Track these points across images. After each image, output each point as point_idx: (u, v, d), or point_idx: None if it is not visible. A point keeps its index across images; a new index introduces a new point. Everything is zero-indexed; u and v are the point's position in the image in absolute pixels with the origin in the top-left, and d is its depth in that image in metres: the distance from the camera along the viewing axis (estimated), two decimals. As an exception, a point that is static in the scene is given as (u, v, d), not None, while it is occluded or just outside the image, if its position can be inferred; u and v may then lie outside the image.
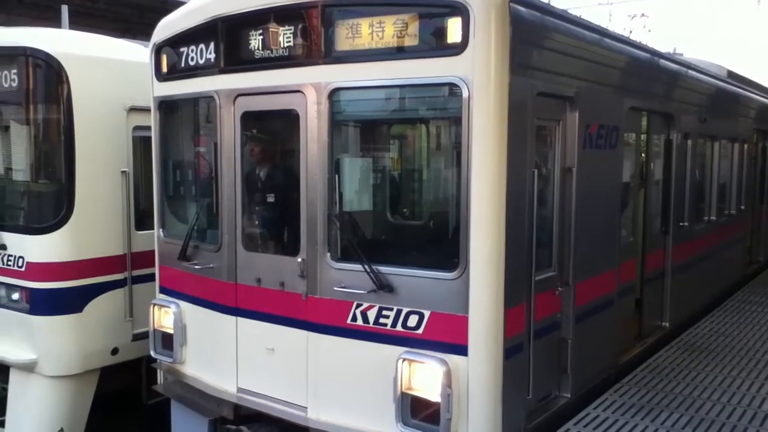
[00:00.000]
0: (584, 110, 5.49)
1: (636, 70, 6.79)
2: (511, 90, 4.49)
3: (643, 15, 33.94)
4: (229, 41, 5.54)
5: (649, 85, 7.11)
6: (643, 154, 7.21)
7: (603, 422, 5.27)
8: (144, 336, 6.94)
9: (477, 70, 4.38)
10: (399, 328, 4.77)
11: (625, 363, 6.67)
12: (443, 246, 4.79)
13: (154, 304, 6.44)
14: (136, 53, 7.49)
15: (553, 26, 5.16)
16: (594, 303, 5.98)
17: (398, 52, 4.67)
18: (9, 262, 7.14)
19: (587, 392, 5.82)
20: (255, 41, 5.35)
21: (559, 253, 5.53)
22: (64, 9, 8.63)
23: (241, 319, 5.66)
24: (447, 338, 4.60)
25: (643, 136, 7.48)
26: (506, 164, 4.48)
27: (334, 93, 4.94)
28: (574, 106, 5.43)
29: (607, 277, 6.26)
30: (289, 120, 5.24)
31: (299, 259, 5.17)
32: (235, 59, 5.52)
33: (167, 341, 6.34)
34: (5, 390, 7.50)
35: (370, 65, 4.80)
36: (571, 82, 5.38)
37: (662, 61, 7.53)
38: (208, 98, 5.81)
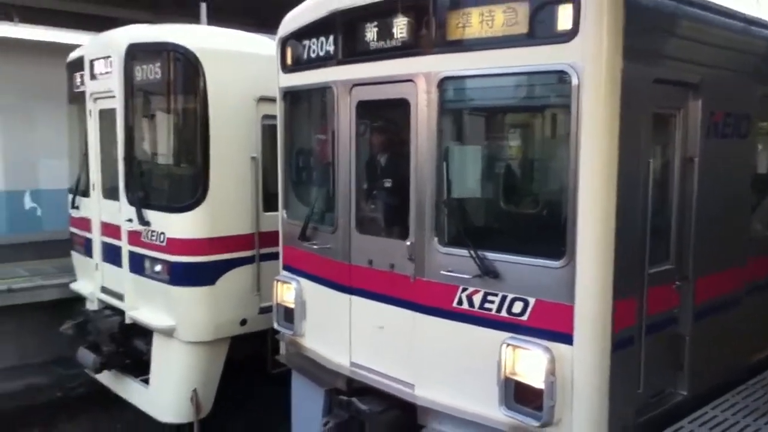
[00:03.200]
0: (708, 97, 5.21)
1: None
2: (624, 77, 4.37)
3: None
4: (347, 34, 5.79)
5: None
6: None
7: (720, 423, 5.03)
8: (269, 309, 7.38)
9: (587, 57, 4.30)
10: (504, 313, 4.82)
11: (755, 364, 6.29)
12: (550, 234, 4.76)
13: (278, 280, 6.89)
14: (265, 46, 7.96)
15: (673, 9, 4.92)
16: (717, 300, 5.69)
17: (508, 41, 4.67)
18: (153, 237, 7.90)
19: (707, 391, 5.56)
20: (370, 33, 5.56)
21: (678, 246, 5.31)
22: (203, 6, 9.32)
23: (354, 298, 5.95)
24: (552, 326, 4.60)
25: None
26: (617, 153, 4.38)
27: (443, 82, 5.04)
28: (697, 94, 5.18)
29: (734, 273, 5.91)
30: (401, 109, 5.40)
31: (408, 243, 5.35)
32: (352, 51, 5.76)
33: (289, 315, 6.77)
34: (150, 352, 8.36)
35: (480, 54, 4.84)
36: (694, 68, 5.12)
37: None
38: (327, 88, 6.09)
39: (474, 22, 4.82)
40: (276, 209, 7.34)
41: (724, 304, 5.79)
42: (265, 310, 7.87)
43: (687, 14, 5.07)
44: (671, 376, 5.41)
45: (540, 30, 4.53)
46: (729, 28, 5.59)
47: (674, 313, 5.32)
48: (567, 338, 4.55)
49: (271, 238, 7.71)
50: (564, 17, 4.38)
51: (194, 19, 10.73)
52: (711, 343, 5.63)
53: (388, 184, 5.81)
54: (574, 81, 4.34)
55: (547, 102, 5.06)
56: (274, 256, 7.40)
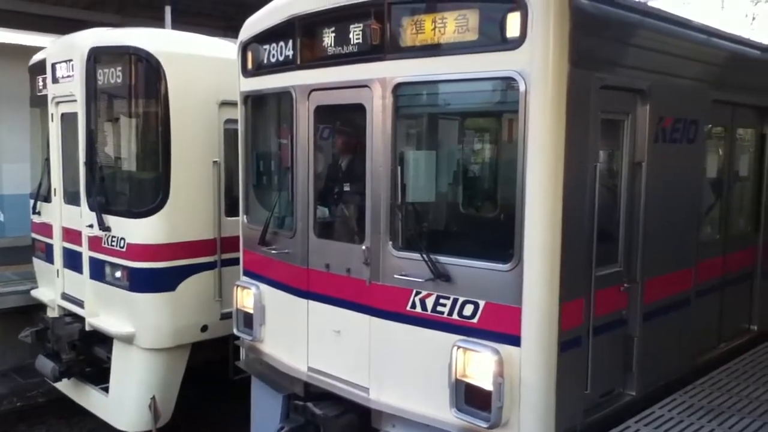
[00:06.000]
0: (657, 103, 5.36)
1: (721, 60, 6.49)
2: (571, 83, 4.47)
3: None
4: (305, 39, 5.83)
5: (737, 76, 6.77)
6: (730, 149, 6.88)
7: (667, 422, 5.15)
8: (231, 315, 7.31)
9: (534, 64, 4.40)
10: (455, 316, 4.88)
11: (703, 364, 6.44)
12: (499, 238, 4.84)
13: (238, 286, 6.87)
14: (227, 50, 7.96)
15: (621, 18, 5.06)
16: (666, 301, 5.82)
17: (459, 47, 4.75)
18: (113, 243, 7.84)
19: (655, 391, 5.68)
20: (328, 38, 5.61)
21: (626, 248, 5.43)
22: (167, 10, 9.32)
23: (312, 302, 5.96)
24: (500, 328, 4.67)
25: (739, 131, 7.13)
26: (563, 158, 4.47)
27: (398, 87, 5.11)
28: (645, 100, 5.32)
29: (682, 275, 6.06)
30: (357, 114, 5.44)
31: (364, 247, 5.39)
32: (310, 56, 5.80)
33: (248, 320, 6.75)
34: (110, 359, 8.26)
35: (433, 60, 4.91)
36: (642, 75, 5.26)
37: (753, 51, 7.13)
38: (286, 93, 6.11)
39: (427, 29, 4.89)
40: (238, 214, 7.33)
41: (672, 305, 5.92)
42: (227, 316, 7.80)
43: (635, 22, 5.21)
44: (620, 376, 5.51)
45: (490, 37, 4.62)
46: (678, 36, 5.75)
47: (622, 315, 5.43)
48: (515, 340, 4.62)
49: (233, 243, 7.63)
50: (512, 25, 4.48)
51: (161, 22, 10.71)
52: (660, 344, 5.75)
53: (345, 188, 5.85)
54: (522, 87, 4.43)
55: (497, 108, 5.16)
56: (237, 262, 7.34)
